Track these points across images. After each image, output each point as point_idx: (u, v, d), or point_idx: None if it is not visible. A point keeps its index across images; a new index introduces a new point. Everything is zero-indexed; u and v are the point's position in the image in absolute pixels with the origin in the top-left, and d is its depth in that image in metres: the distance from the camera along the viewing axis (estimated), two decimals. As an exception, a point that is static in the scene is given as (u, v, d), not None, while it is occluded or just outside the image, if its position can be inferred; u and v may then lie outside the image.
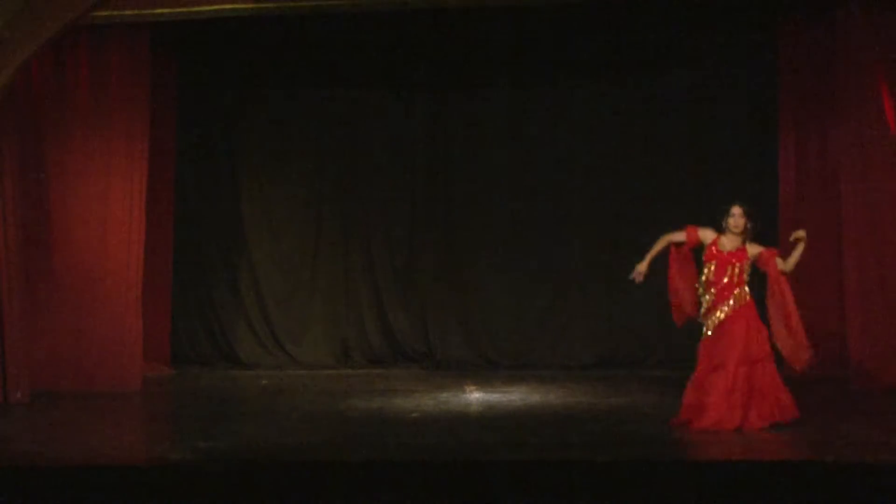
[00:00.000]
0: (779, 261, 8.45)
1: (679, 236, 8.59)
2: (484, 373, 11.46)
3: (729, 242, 8.47)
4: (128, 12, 10.02)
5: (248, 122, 12.27)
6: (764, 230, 11.34)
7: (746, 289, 8.43)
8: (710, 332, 8.45)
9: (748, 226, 8.46)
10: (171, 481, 6.78)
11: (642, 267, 8.57)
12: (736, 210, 8.47)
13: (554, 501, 6.41)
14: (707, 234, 8.52)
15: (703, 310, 8.50)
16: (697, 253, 8.62)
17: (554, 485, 6.57)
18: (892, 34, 10.09)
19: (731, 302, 8.39)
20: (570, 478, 6.68)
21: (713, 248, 8.47)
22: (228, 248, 12.30)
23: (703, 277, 8.47)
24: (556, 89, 12.00)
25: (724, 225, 8.49)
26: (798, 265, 8.48)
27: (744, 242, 8.46)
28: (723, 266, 8.41)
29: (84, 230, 10.61)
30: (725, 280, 8.39)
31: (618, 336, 11.86)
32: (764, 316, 8.50)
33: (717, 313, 8.41)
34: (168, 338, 11.97)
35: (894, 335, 10.08)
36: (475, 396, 10.00)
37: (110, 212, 10.64)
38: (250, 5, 9.97)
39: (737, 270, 8.40)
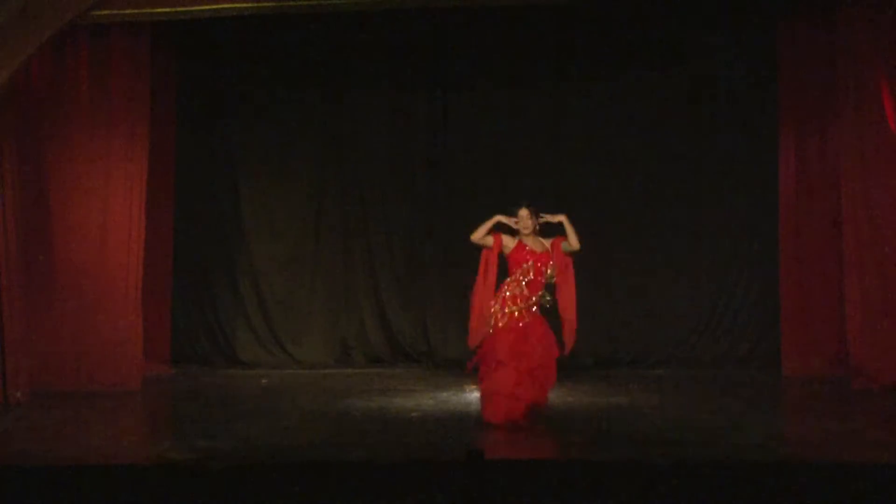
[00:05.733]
0: (564, 244, 8.70)
1: (502, 219, 8.76)
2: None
3: (533, 243, 8.72)
4: (128, 11, 10.00)
5: (248, 122, 12.26)
6: (764, 231, 11.52)
7: (543, 292, 8.66)
8: (519, 324, 8.59)
9: (537, 225, 8.70)
10: (171, 481, 6.78)
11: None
12: (523, 213, 8.70)
13: (554, 501, 6.41)
14: (508, 240, 8.74)
15: (500, 305, 8.63)
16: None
17: (554, 485, 6.57)
18: (892, 34, 10.08)
19: (535, 299, 8.62)
20: (570, 478, 6.68)
21: (522, 249, 8.68)
22: (228, 248, 12.30)
23: (517, 273, 8.65)
24: (555, 89, 12.00)
25: (515, 229, 8.71)
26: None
27: (539, 240, 8.73)
28: (538, 269, 8.64)
29: (84, 230, 10.61)
30: (535, 283, 8.63)
31: (618, 336, 11.85)
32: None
33: (519, 309, 8.59)
34: (168, 337, 11.97)
35: (894, 335, 10.07)
36: (475, 396, 9.98)
37: (110, 211, 10.63)
38: (250, 4, 9.96)
39: (548, 270, 8.66)
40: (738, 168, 11.73)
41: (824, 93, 10.80)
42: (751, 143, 11.68)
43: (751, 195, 11.70)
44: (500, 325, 8.60)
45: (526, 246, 8.69)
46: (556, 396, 9.87)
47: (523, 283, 8.66)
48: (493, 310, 8.65)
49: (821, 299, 10.94)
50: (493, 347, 8.57)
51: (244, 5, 9.96)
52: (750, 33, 11.54)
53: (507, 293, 8.67)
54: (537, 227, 8.73)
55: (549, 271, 8.65)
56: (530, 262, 8.65)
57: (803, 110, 11.06)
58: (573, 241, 8.66)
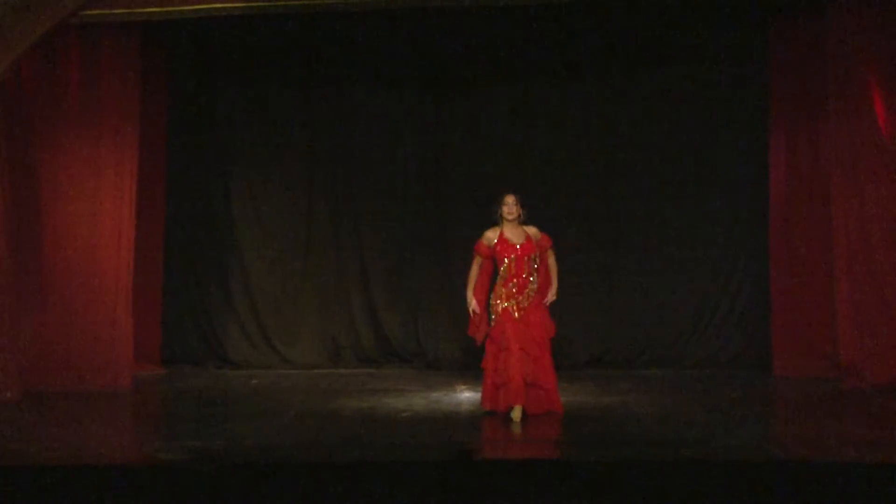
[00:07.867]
0: (550, 253, 8.90)
1: (479, 263, 8.94)
2: (475, 372, 11.39)
3: (514, 234, 8.82)
4: (118, 11, 9.99)
5: (239, 122, 12.25)
6: (755, 231, 11.54)
7: (534, 277, 8.81)
8: (515, 315, 8.72)
9: (521, 212, 8.84)
10: (162, 481, 6.76)
11: (472, 304, 8.92)
12: (510, 199, 8.86)
13: (547, 502, 6.40)
14: (489, 235, 8.89)
15: (499, 301, 8.75)
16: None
17: (547, 484, 6.57)
18: (882, 34, 10.11)
19: (528, 292, 8.77)
20: (563, 477, 6.67)
21: (505, 243, 8.79)
22: (220, 248, 12.28)
23: (503, 270, 8.80)
24: (552, 89, 12.00)
25: (499, 215, 8.85)
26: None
27: (521, 228, 8.84)
28: (521, 259, 8.77)
29: (74, 230, 10.59)
30: (524, 274, 8.76)
31: (612, 335, 11.85)
32: None
33: (517, 302, 8.74)
34: (159, 337, 11.96)
35: (885, 334, 10.09)
36: (466, 396, 10.00)
37: (100, 211, 10.61)
38: (240, 4, 9.95)
39: (533, 260, 8.80)
40: (729, 169, 11.74)
41: (815, 93, 10.82)
42: (741, 145, 11.69)
43: (741, 196, 11.71)
44: (503, 313, 8.73)
45: (508, 239, 8.79)
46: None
47: (512, 284, 8.74)
48: (493, 304, 8.78)
49: (812, 300, 10.96)
50: (500, 335, 8.69)
51: (235, 5, 9.96)
52: (742, 34, 11.56)
53: (503, 290, 8.77)
54: (521, 216, 8.86)
55: (532, 260, 8.80)
56: (512, 257, 8.75)
57: (794, 111, 11.08)
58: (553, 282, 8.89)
